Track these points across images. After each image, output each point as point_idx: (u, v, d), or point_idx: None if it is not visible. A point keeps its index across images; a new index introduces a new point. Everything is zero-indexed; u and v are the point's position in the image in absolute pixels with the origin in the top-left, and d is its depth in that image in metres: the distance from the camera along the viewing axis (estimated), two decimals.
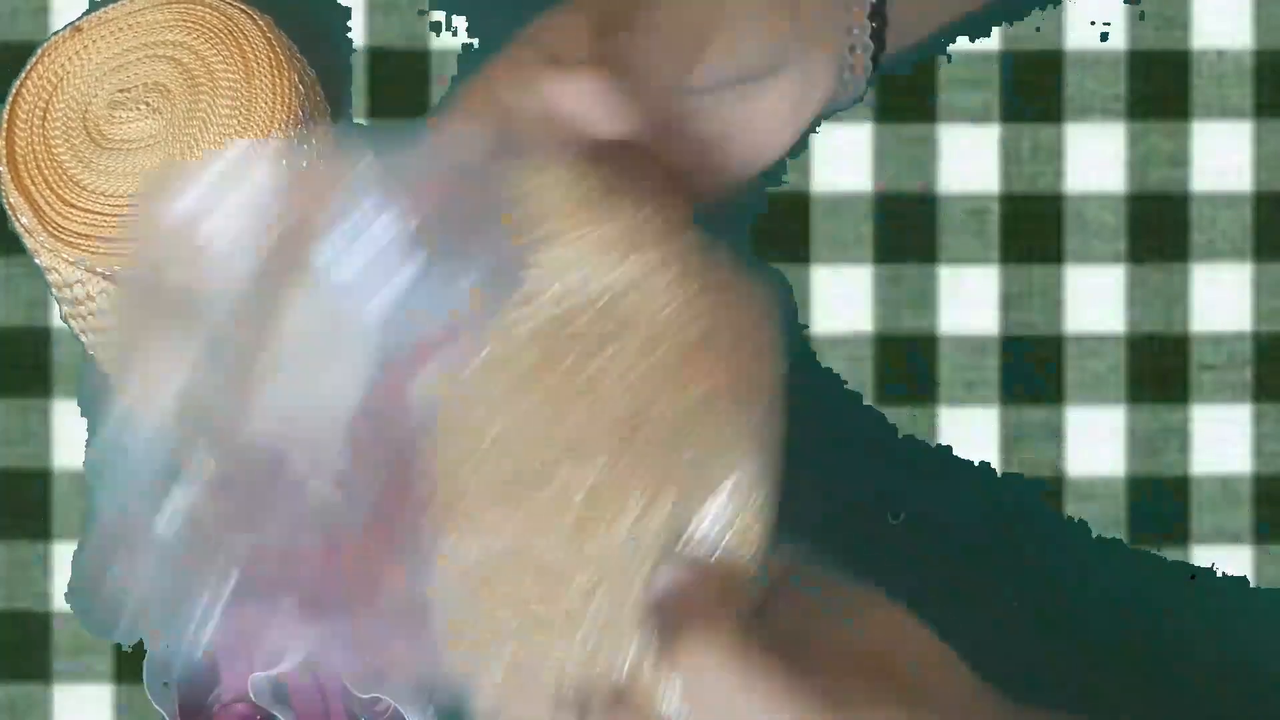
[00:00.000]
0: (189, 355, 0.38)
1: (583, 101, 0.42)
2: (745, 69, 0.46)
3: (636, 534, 0.40)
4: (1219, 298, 0.59)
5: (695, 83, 0.45)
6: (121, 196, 0.54)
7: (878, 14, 0.47)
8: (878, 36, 0.48)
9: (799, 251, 0.59)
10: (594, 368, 0.40)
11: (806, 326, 0.59)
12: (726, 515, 0.41)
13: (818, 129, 0.50)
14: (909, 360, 0.59)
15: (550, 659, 0.40)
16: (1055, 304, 0.59)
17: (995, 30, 0.59)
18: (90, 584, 0.39)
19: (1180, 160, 0.59)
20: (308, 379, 0.38)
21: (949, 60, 0.59)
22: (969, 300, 0.59)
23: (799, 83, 0.47)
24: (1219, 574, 0.58)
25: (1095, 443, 0.59)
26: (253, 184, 0.38)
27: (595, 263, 0.40)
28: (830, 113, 0.49)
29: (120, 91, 0.55)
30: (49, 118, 0.55)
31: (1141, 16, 0.59)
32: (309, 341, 0.38)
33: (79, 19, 0.56)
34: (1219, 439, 0.59)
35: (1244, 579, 0.58)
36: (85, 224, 0.54)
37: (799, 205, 0.59)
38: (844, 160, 0.59)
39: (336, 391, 0.38)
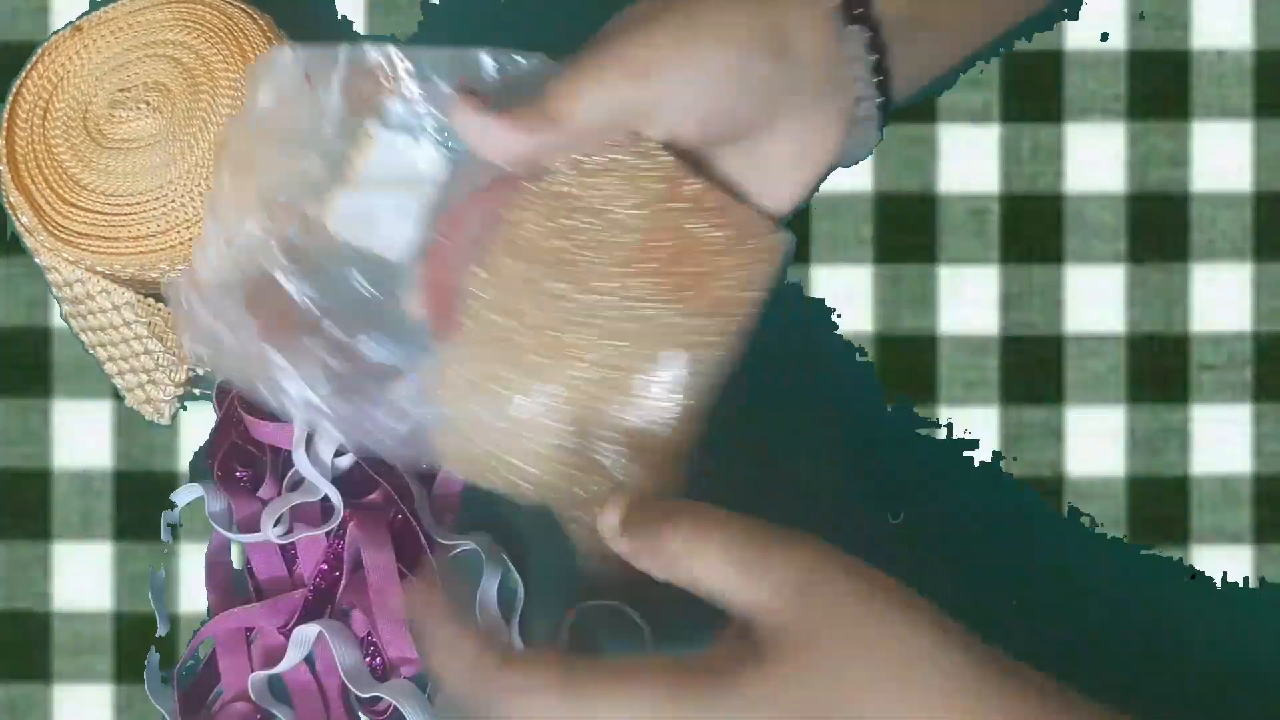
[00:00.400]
0: (294, 152, 0.49)
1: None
2: (737, 123, 0.47)
3: (585, 374, 0.46)
4: (1219, 298, 0.59)
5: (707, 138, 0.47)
6: (122, 195, 0.54)
7: (880, 69, 0.47)
8: (884, 88, 0.48)
9: (799, 251, 0.59)
10: (593, 250, 0.46)
11: (806, 326, 0.59)
12: (664, 393, 0.46)
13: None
14: (909, 360, 0.59)
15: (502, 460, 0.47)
16: (1055, 304, 0.59)
17: None
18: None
19: (1180, 160, 0.59)
20: (382, 201, 0.48)
21: None
22: (969, 300, 0.59)
23: (799, 135, 0.47)
24: (1219, 574, 0.58)
25: (1095, 443, 0.59)
26: (342, 58, 0.49)
27: (626, 171, 0.47)
28: (848, 163, 0.49)
29: (120, 91, 0.55)
30: (49, 117, 0.55)
31: (1141, 16, 0.59)
32: (383, 169, 0.48)
33: (79, 19, 0.56)
34: (1219, 439, 0.59)
35: (1244, 579, 0.58)
36: (86, 223, 0.54)
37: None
38: None
39: (403, 215, 0.48)
